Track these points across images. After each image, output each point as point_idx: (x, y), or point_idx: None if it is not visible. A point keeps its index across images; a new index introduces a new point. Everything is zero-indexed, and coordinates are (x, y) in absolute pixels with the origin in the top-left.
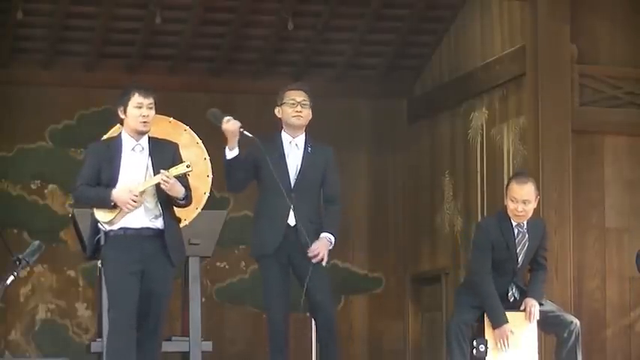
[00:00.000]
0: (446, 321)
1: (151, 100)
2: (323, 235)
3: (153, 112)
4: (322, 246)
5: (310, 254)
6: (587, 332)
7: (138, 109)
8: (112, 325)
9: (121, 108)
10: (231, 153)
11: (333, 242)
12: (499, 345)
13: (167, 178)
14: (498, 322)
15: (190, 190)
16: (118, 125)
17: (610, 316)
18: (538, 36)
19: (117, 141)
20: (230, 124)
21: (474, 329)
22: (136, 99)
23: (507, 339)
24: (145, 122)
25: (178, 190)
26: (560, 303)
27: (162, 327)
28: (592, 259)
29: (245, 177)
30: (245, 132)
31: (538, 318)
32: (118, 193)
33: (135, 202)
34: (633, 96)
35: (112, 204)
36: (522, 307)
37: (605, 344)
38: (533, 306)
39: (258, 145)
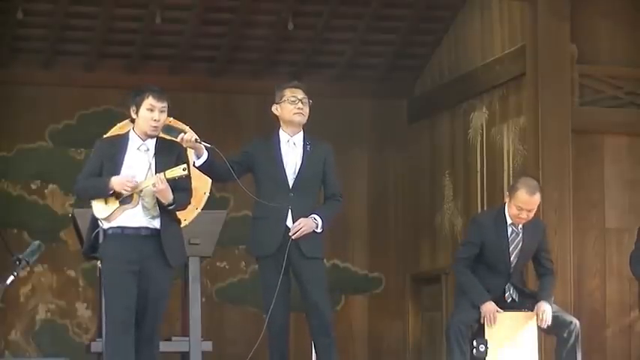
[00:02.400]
0: (446, 321)
1: (164, 104)
2: (312, 215)
3: (164, 115)
4: (305, 223)
5: (292, 230)
6: (587, 332)
7: (150, 111)
8: (109, 324)
9: (133, 108)
10: (199, 160)
11: (319, 225)
12: (489, 323)
13: (160, 181)
14: (481, 300)
15: (190, 192)
16: (120, 124)
17: (610, 316)
18: (538, 36)
19: (124, 138)
20: (185, 140)
21: (474, 329)
22: (150, 101)
23: (495, 315)
24: (154, 127)
25: (166, 197)
26: (560, 303)
27: (160, 327)
28: (592, 259)
29: (224, 175)
30: (203, 142)
31: (550, 323)
32: (116, 179)
33: (130, 185)
34: (633, 96)
35: (111, 191)
36: (535, 311)
37: (605, 344)
38: (544, 312)
39: (217, 152)
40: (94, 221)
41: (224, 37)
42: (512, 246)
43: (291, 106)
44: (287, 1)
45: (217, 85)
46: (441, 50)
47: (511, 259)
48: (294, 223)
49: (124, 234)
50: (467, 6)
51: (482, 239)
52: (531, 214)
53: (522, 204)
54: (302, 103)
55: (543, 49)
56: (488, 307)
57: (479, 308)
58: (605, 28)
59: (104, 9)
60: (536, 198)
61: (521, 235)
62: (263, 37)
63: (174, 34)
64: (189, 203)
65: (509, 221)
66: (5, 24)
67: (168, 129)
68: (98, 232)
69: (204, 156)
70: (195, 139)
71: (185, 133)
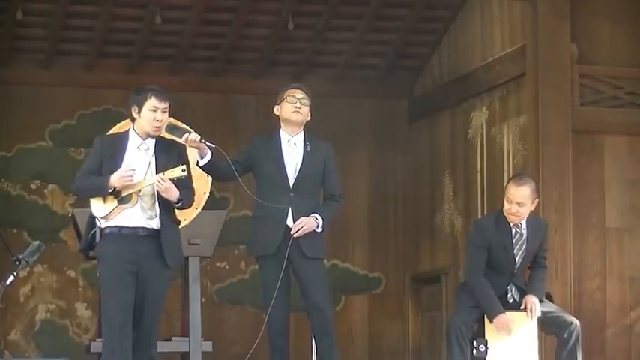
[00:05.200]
0: (446, 321)
1: (166, 105)
2: (313, 214)
3: (166, 116)
4: (306, 222)
5: (293, 229)
6: (587, 332)
7: (152, 112)
8: (106, 324)
9: (135, 108)
10: (203, 160)
11: (320, 225)
12: (502, 335)
13: (162, 181)
14: (495, 312)
15: (192, 191)
16: (120, 124)
17: (610, 316)
18: (538, 36)
19: (123, 137)
20: (190, 140)
21: (474, 329)
22: (152, 102)
23: (509, 328)
24: (157, 127)
25: (173, 194)
26: (560, 303)
27: (158, 327)
28: (592, 259)
29: (227, 174)
30: (207, 142)
31: (539, 314)
32: (116, 175)
33: (130, 177)
34: (633, 96)
35: (111, 189)
36: (522, 306)
37: (605, 344)
38: (533, 303)
39: (221, 153)
40: (93, 219)
41: (224, 37)
42: (517, 247)
43: (289, 105)
44: (287, 1)
45: (217, 85)
46: (441, 50)
47: (516, 259)
48: (294, 223)
49: (121, 234)
50: (467, 6)
51: (487, 242)
52: (523, 210)
53: (510, 196)
54: (300, 102)
55: (543, 49)
56: (502, 320)
57: (478, 309)
58: (605, 28)
59: (104, 9)
60: (523, 190)
61: (525, 235)
62: (263, 37)
63: (174, 34)
64: (194, 201)
65: (512, 223)
66: (5, 24)
67: (172, 128)
68: (95, 231)
69: (208, 156)
70: (200, 139)
71: (189, 133)
